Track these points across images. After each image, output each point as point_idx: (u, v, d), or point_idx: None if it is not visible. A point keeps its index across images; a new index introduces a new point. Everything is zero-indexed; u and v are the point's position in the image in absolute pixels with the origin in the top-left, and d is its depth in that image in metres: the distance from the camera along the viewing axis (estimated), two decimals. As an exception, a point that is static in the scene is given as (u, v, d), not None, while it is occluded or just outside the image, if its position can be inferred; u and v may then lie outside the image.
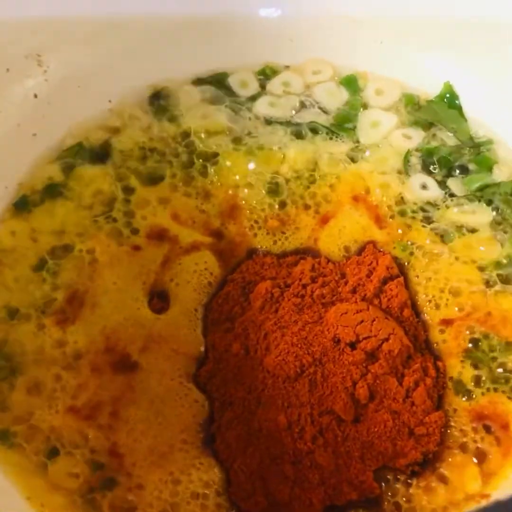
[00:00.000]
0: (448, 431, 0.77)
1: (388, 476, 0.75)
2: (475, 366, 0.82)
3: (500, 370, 0.81)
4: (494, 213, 0.93)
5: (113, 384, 0.81)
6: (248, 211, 0.95)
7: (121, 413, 0.79)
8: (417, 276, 0.88)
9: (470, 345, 0.83)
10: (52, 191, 0.95)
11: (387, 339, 0.78)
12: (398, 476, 0.75)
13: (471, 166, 0.97)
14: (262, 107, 1.04)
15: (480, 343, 0.83)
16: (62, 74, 1.01)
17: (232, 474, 0.75)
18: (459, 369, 0.81)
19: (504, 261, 0.89)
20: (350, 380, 0.77)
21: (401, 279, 0.86)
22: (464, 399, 0.79)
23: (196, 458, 0.76)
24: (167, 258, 0.91)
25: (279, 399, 0.76)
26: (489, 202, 0.94)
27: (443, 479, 0.74)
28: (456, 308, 0.86)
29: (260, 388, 0.78)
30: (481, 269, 0.88)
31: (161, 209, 0.94)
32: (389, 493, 0.74)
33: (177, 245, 0.92)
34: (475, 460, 0.75)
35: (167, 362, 0.83)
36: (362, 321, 0.80)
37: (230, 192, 0.96)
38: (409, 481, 0.75)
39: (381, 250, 0.90)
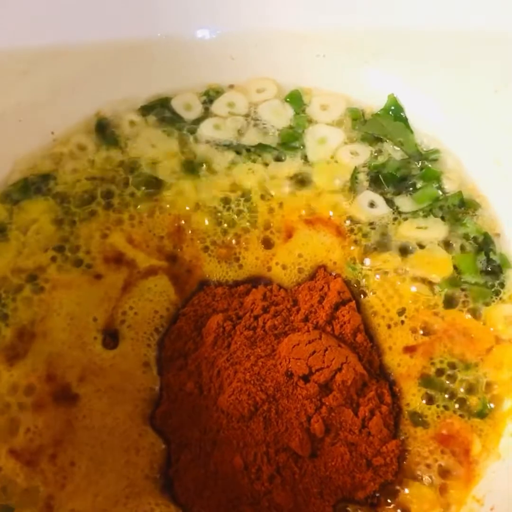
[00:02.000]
0: (406, 459, 0.77)
1: (348, 509, 0.75)
2: (432, 390, 0.81)
3: (456, 392, 0.81)
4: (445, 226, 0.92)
5: (55, 421, 0.79)
6: (198, 238, 0.93)
7: (62, 461, 0.78)
8: (370, 299, 0.87)
9: (426, 368, 0.82)
10: (-3, 231, 0.93)
11: (340, 369, 0.78)
12: (358, 510, 0.74)
13: (419, 180, 0.96)
14: (207, 130, 1.03)
15: (437, 365, 0.83)
16: (1, 109, 0.98)
17: (191, 518, 0.74)
18: (415, 393, 0.81)
19: (456, 276, 0.88)
20: (304, 415, 0.76)
21: (353, 303, 0.86)
22: (421, 424, 0.79)
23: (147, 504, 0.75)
24: (127, 282, 0.90)
25: (234, 440, 0.76)
26: (437, 216, 0.93)
27: (403, 510, 0.74)
28: (410, 329, 0.85)
29: (215, 428, 0.77)
30: (435, 286, 0.88)
31: (114, 233, 0.93)
32: (350, 528, 0.74)
33: (135, 269, 0.91)
34: (434, 487, 0.75)
35: (108, 399, 0.81)
36: (314, 352, 0.79)
37: (179, 218, 0.95)
38: (369, 513, 0.74)
39: (332, 273, 0.89)
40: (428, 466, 0.76)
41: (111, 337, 0.87)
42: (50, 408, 0.80)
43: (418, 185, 0.96)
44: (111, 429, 0.79)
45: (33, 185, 0.97)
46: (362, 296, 0.88)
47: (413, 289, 0.87)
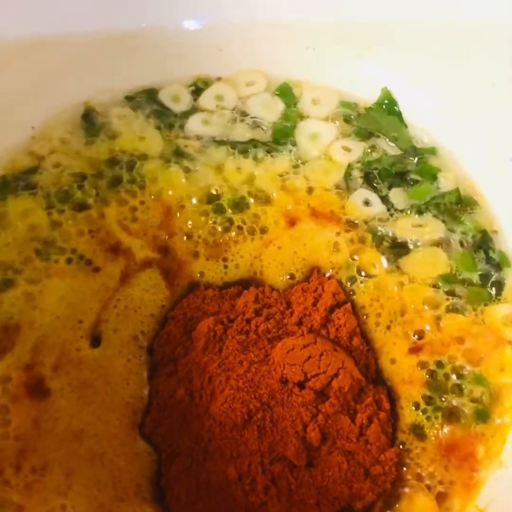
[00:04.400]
0: (405, 467, 0.74)
1: (345, 520, 0.72)
2: (431, 394, 0.79)
3: (457, 396, 0.78)
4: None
5: (25, 420, 0.76)
6: (187, 233, 0.90)
7: (27, 472, 0.74)
8: (365, 300, 0.85)
9: (425, 371, 0.80)
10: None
11: (336, 375, 0.75)
12: (356, 520, 0.72)
13: (414, 176, 0.93)
14: (195, 125, 1.00)
15: (436, 369, 0.80)
16: (-21, 103, 0.95)
17: (184, 531, 0.72)
18: (414, 398, 0.79)
19: (455, 275, 0.86)
20: (300, 423, 0.73)
21: (348, 305, 0.83)
22: (421, 431, 0.77)
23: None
24: (125, 274, 0.87)
25: (228, 449, 0.73)
26: (434, 214, 0.90)
27: (402, 521, 0.72)
28: (408, 331, 0.83)
29: (207, 437, 0.74)
30: (432, 286, 0.85)
31: (106, 224, 0.90)
32: (348, 539, 0.71)
33: (133, 261, 0.88)
34: (434, 496, 0.73)
35: (77, 399, 0.78)
36: (309, 357, 0.76)
37: (169, 210, 0.92)
38: (367, 524, 0.72)
39: (326, 274, 0.86)
40: (428, 474, 0.74)
41: (96, 341, 0.83)
42: (22, 402, 0.77)
43: (414, 181, 0.93)
44: (78, 433, 0.76)
45: (14, 182, 0.93)
46: (357, 297, 0.85)
47: (411, 289, 0.85)
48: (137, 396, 0.80)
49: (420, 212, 0.90)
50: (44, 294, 0.84)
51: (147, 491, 0.74)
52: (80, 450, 0.75)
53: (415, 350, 0.81)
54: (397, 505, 0.72)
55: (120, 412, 0.78)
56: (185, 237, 0.90)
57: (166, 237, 0.90)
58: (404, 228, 0.89)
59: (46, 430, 0.76)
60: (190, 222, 0.91)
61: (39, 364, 0.80)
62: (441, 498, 0.73)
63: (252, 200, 0.92)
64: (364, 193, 0.92)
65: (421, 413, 0.77)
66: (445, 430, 0.76)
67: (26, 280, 0.85)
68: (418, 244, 0.88)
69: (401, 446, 0.76)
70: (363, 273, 0.86)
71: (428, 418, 0.77)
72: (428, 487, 0.73)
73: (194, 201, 0.93)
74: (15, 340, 0.81)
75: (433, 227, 0.89)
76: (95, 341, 0.83)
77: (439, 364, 0.80)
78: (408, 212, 0.90)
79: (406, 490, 0.73)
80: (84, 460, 0.75)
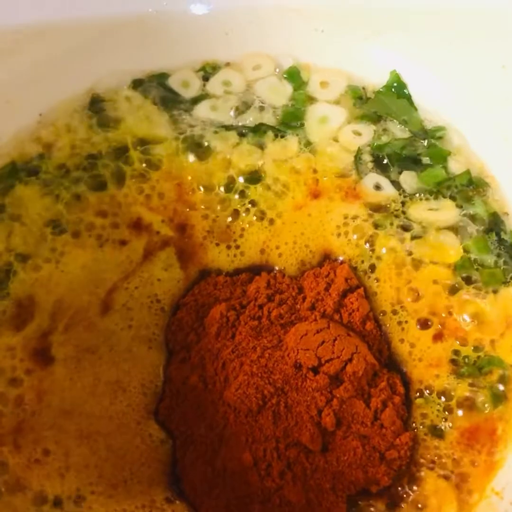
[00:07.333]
0: (420, 451, 0.74)
1: (361, 504, 0.72)
2: (445, 378, 0.78)
3: (472, 378, 0.78)
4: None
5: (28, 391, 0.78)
6: (196, 219, 0.90)
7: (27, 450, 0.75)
8: (378, 285, 0.84)
9: (437, 354, 0.80)
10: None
11: (350, 360, 0.75)
12: (371, 505, 0.72)
13: (425, 160, 0.93)
14: (203, 111, 0.99)
15: (449, 352, 0.80)
16: (-15, 90, 0.94)
17: (200, 517, 0.72)
18: (427, 382, 0.78)
19: (468, 258, 0.85)
20: (315, 408, 0.73)
21: (361, 290, 0.83)
22: (435, 414, 0.76)
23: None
24: (147, 251, 0.88)
25: (243, 435, 0.73)
26: (447, 196, 0.90)
27: (418, 505, 0.72)
28: (420, 316, 0.82)
29: (222, 424, 0.74)
30: (445, 269, 0.85)
31: (125, 202, 0.91)
32: (364, 524, 0.71)
33: (153, 238, 0.89)
34: (451, 479, 0.73)
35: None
36: (323, 342, 0.76)
37: (178, 197, 0.92)
38: (382, 508, 0.72)
39: (338, 259, 0.86)
40: (444, 457, 0.74)
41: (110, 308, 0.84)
42: (26, 374, 0.79)
43: (425, 165, 0.92)
44: (69, 410, 0.77)
45: (22, 169, 0.93)
46: (370, 282, 0.85)
47: (424, 273, 0.84)
48: (137, 372, 0.81)
49: (432, 195, 0.90)
50: (64, 263, 0.86)
51: (161, 477, 0.75)
52: (73, 429, 0.76)
53: (427, 333, 0.81)
54: (413, 489, 0.72)
55: (116, 389, 0.79)
56: (196, 222, 0.90)
57: (181, 216, 0.90)
58: (417, 211, 0.88)
59: (46, 402, 0.77)
60: (202, 206, 0.91)
61: (53, 330, 0.81)
62: (458, 480, 0.73)
63: (261, 183, 0.92)
64: (374, 177, 0.91)
65: (434, 396, 0.77)
66: (463, 413, 0.76)
67: (42, 258, 0.86)
68: (432, 228, 0.87)
69: (416, 430, 0.75)
70: (375, 258, 0.86)
71: (441, 401, 0.77)
72: (444, 470, 0.73)
73: (204, 185, 0.92)
74: (34, 310, 0.82)
75: (447, 210, 0.88)
76: (109, 308, 0.84)
77: (455, 348, 0.80)
78: (420, 195, 0.90)
79: (422, 473, 0.73)
80: (79, 439, 0.76)
